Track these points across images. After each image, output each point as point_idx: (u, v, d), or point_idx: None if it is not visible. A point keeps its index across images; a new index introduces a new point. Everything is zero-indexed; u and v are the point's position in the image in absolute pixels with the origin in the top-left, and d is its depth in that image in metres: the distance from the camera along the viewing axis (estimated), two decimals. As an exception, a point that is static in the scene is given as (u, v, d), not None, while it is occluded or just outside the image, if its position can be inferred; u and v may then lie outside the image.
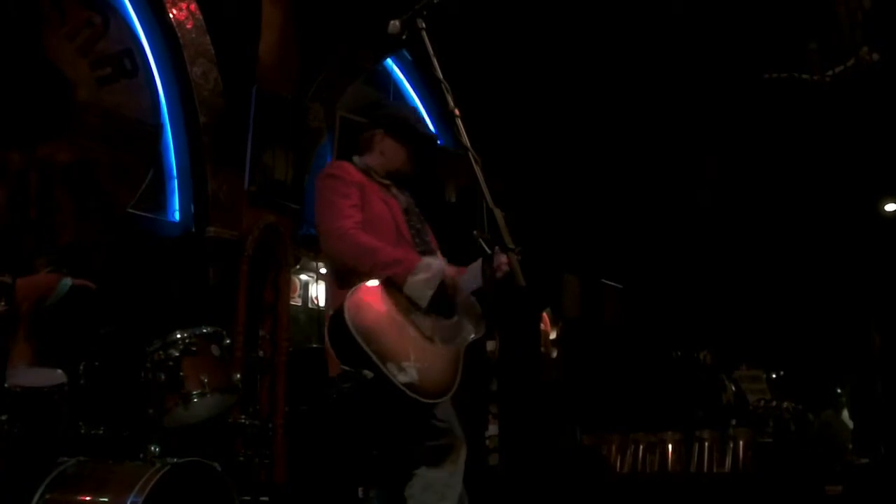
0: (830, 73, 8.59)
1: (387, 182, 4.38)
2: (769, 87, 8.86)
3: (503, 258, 3.84)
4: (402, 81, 9.63)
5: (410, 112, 4.64)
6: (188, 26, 7.66)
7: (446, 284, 4.04)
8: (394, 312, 3.98)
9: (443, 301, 4.04)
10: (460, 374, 4.05)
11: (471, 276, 4.14)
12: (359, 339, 3.79)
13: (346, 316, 3.80)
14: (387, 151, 4.40)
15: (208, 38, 7.74)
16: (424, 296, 3.98)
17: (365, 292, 3.96)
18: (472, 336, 4.15)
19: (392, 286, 4.00)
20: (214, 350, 4.92)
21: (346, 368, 4.42)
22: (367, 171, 4.35)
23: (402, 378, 3.78)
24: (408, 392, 3.78)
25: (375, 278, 3.98)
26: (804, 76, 8.69)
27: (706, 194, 9.95)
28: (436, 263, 4.05)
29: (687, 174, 9.96)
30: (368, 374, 3.79)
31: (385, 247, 4.07)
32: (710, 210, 9.73)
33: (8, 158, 6.65)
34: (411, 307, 4.00)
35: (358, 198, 4.21)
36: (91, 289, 5.34)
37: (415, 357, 3.88)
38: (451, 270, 4.08)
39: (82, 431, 4.87)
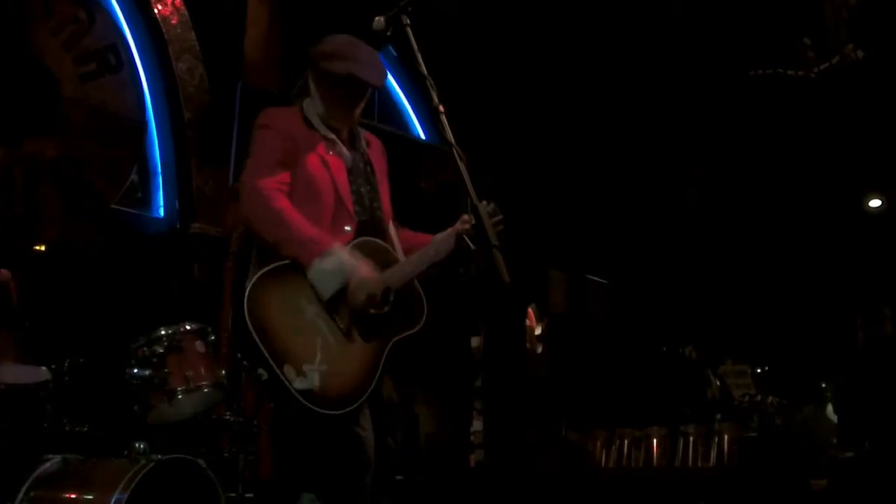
0: (816, 69, 8.61)
1: (331, 136, 3.88)
2: (755, 83, 8.88)
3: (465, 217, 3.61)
4: (387, 77, 9.63)
5: (346, 45, 3.88)
6: (173, 22, 7.64)
7: (355, 286, 3.57)
8: (304, 302, 3.55)
9: (343, 299, 3.57)
10: (377, 379, 3.61)
11: (419, 259, 3.77)
12: (254, 335, 3.41)
13: (245, 305, 3.44)
14: (320, 96, 3.90)
15: (193, 34, 7.72)
16: (327, 289, 3.56)
17: (271, 278, 3.56)
18: (405, 333, 3.73)
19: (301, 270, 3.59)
20: (199, 346, 4.91)
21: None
22: (309, 122, 3.88)
23: (298, 384, 3.39)
24: (303, 401, 3.39)
25: (283, 255, 3.57)
26: (790, 72, 8.71)
27: (694, 191, 9.97)
28: (349, 260, 3.60)
29: (675, 170, 9.98)
30: (263, 374, 3.43)
31: (299, 221, 3.60)
32: (697, 206, 9.75)
33: (-8, 154, 6.63)
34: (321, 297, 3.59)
35: (288, 152, 3.74)
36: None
37: (321, 358, 3.47)
38: (364, 269, 3.61)
39: (67, 428, 4.87)
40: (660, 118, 9.66)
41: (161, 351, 4.83)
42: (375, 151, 4.11)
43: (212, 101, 7.72)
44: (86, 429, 4.96)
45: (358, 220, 3.79)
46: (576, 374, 8.60)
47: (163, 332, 4.88)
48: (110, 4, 7.51)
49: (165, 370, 4.79)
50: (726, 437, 6.95)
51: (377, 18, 3.44)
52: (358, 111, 3.96)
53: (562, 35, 9.24)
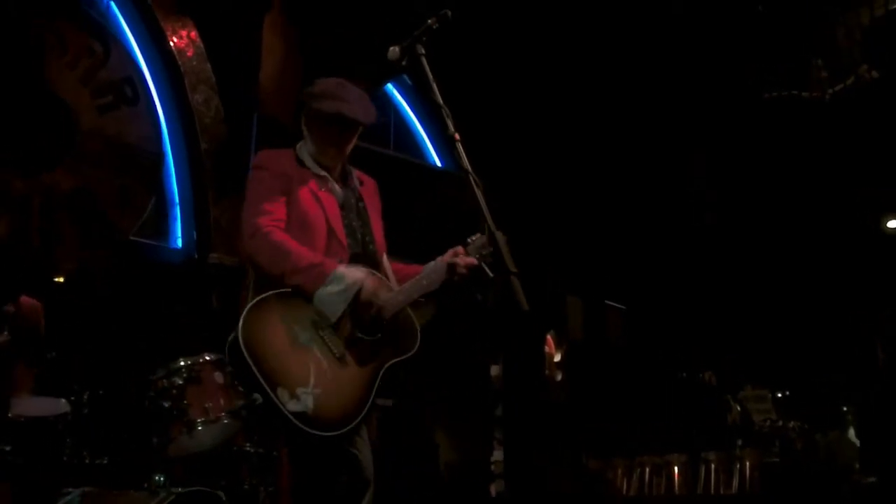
0: (830, 91, 8.61)
1: (323, 173, 4.09)
2: (771, 106, 8.87)
3: (462, 258, 3.90)
4: (402, 106, 9.65)
5: (334, 86, 4.09)
6: (189, 54, 7.68)
7: (363, 301, 3.75)
8: (298, 328, 3.69)
9: (358, 318, 3.76)
10: (371, 403, 3.72)
11: (411, 288, 3.93)
12: (248, 360, 3.52)
13: (240, 332, 3.56)
14: (311, 136, 4.12)
15: (209, 65, 7.77)
16: (335, 311, 3.71)
17: (266, 304, 3.70)
18: (397, 357, 3.84)
19: (300, 296, 3.74)
20: (218, 377, 4.89)
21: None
22: (301, 161, 4.10)
23: (292, 406, 3.49)
24: (297, 422, 3.48)
25: (287, 285, 3.73)
26: (804, 94, 8.71)
27: (711, 215, 9.94)
28: (352, 274, 3.77)
29: (691, 195, 9.96)
30: (258, 398, 3.52)
31: (300, 250, 3.78)
32: (714, 230, 9.72)
33: (11, 186, 6.66)
34: (321, 323, 3.73)
35: (283, 191, 3.95)
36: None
37: (315, 382, 3.57)
38: (372, 283, 3.79)
39: (86, 461, 4.87)
40: (676, 143, 9.66)
41: (180, 382, 4.81)
42: (369, 190, 4.31)
43: (228, 131, 7.75)
44: (105, 461, 4.95)
45: (351, 253, 3.97)
46: (595, 401, 8.56)
47: (182, 364, 4.86)
48: (126, 37, 7.56)
49: (185, 401, 4.77)
50: (748, 463, 6.90)
51: (392, 48, 3.46)
52: (348, 149, 4.15)
53: (580, 63, 9.25)
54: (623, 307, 9.94)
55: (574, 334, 9.22)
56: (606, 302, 9.84)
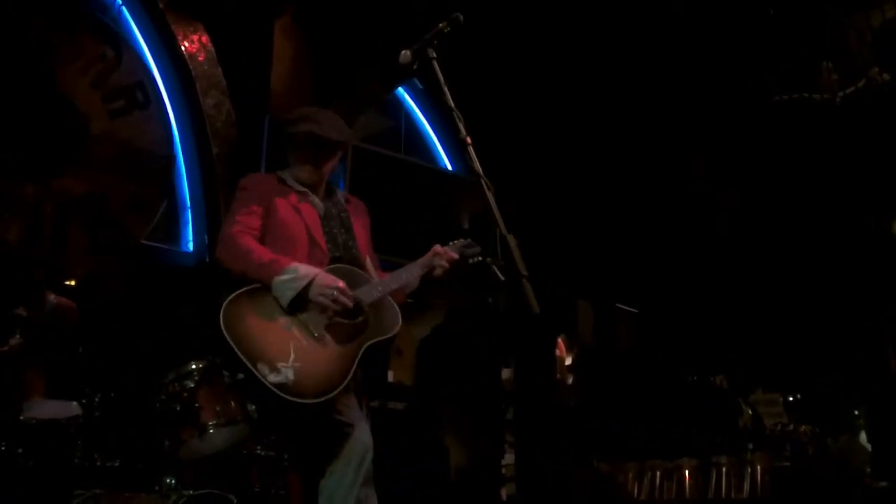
0: (841, 93, 8.59)
1: (303, 189, 4.43)
2: (781, 109, 8.86)
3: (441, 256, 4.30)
4: (413, 110, 9.66)
5: (308, 111, 4.55)
6: (200, 58, 7.70)
7: (318, 291, 4.03)
8: (278, 314, 4.03)
9: (314, 309, 4.04)
10: (352, 373, 4.02)
11: (389, 281, 4.30)
12: (231, 342, 3.85)
13: (221, 319, 3.91)
14: (292, 158, 4.50)
15: (220, 69, 7.79)
16: (285, 296, 4.01)
17: (248, 295, 4.05)
18: (379, 337, 4.17)
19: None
20: (229, 380, 4.90)
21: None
22: (283, 180, 4.44)
23: (272, 378, 3.80)
24: (278, 392, 3.79)
25: (253, 279, 4.07)
26: (815, 97, 8.69)
27: (723, 219, 9.93)
28: (304, 270, 4.07)
29: (703, 199, 9.95)
30: (241, 376, 3.88)
31: (261, 249, 4.14)
32: (726, 234, 9.71)
33: (22, 191, 6.68)
34: (302, 307, 4.04)
35: (260, 204, 4.29)
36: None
37: (294, 357, 3.90)
38: (325, 279, 4.06)
39: (98, 464, 4.88)
40: (688, 148, 9.65)
41: (191, 385, 4.82)
42: (357, 210, 4.65)
43: (239, 135, 7.76)
44: (117, 464, 4.96)
45: (332, 257, 4.28)
46: (606, 405, 8.55)
47: (193, 367, 4.87)
48: (137, 42, 7.58)
49: (196, 405, 4.78)
50: (759, 467, 6.88)
51: (403, 52, 3.46)
52: (326, 168, 4.48)
53: (590, 65, 9.25)
54: (634, 311, 9.93)
55: (585, 338, 9.22)
56: (617, 305, 9.83)
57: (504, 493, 7.07)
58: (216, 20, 7.84)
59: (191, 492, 4.43)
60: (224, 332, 3.88)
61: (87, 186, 7.01)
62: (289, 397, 3.79)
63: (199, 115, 7.67)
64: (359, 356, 4.06)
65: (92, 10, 7.30)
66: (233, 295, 4.02)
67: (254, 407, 4.96)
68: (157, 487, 4.56)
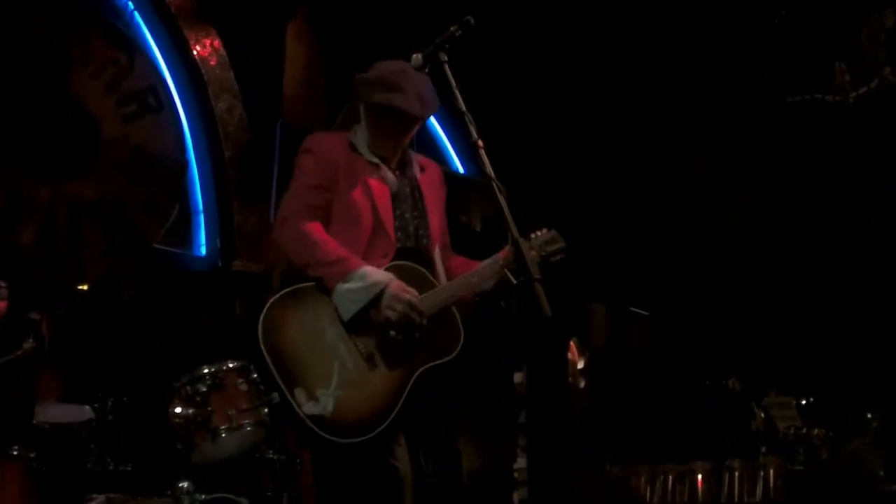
0: (854, 94, 8.57)
1: (376, 160, 3.81)
2: (794, 110, 8.84)
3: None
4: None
5: (390, 74, 3.76)
6: (212, 63, 7.72)
7: (385, 304, 3.47)
8: (326, 324, 3.50)
9: (369, 322, 3.49)
10: (400, 408, 3.44)
11: (458, 284, 3.69)
12: (267, 357, 3.37)
13: (260, 328, 3.41)
14: (367, 124, 3.84)
15: (232, 73, 7.80)
16: (348, 309, 3.48)
17: (292, 298, 3.55)
18: (435, 362, 3.56)
19: (326, 290, 3.54)
20: (242, 385, 4.89)
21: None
22: (354, 147, 3.82)
23: (308, 409, 3.31)
24: (312, 426, 3.31)
25: (310, 277, 3.56)
26: (828, 98, 8.67)
27: (735, 220, 9.91)
28: (375, 275, 3.51)
29: (716, 201, 9.92)
30: (275, 397, 3.47)
31: (328, 242, 3.58)
32: (738, 237, 9.68)
33: (36, 195, 6.71)
34: (358, 319, 3.50)
35: (327, 177, 3.71)
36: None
37: (337, 383, 3.37)
38: (396, 287, 3.50)
39: (111, 468, 4.90)
40: (700, 149, 9.63)
41: (204, 389, 4.82)
42: (431, 178, 4.04)
43: (251, 139, 7.77)
44: (129, 468, 4.98)
45: (399, 247, 3.72)
46: (618, 408, 8.53)
47: (206, 371, 4.87)
48: (149, 47, 7.60)
49: (209, 408, 4.78)
50: (772, 470, 6.85)
51: (415, 55, 3.46)
52: (406, 140, 3.91)
53: (604, 66, 9.24)
54: (647, 313, 9.90)
55: (597, 341, 9.20)
56: (630, 308, 9.81)
57: (516, 497, 7.05)
58: (228, 24, 7.85)
59: (203, 496, 4.43)
60: (261, 342, 3.40)
61: (100, 190, 7.03)
62: (323, 433, 3.30)
63: (212, 119, 7.68)
64: (409, 386, 3.47)
65: (104, 15, 7.32)
66: (277, 296, 3.53)
67: (266, 410, 4.96)
68: (169, 492, 4.56)
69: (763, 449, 7.26)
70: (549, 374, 7.78)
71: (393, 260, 3.68)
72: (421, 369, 3.51)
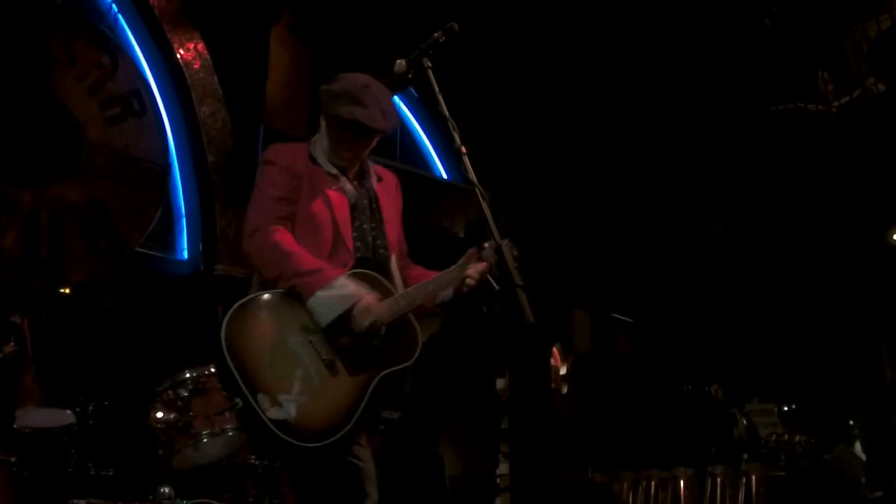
0: (837, 103, 8.61)
1: (335, 172, 3.85)
2: (777, 119, 8.87)
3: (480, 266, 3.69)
4: (408, 118, 9.66)
5: (354, 87, 3.80)
6: (195, 66, 7.70)
7: (355, 315, 3.55)
8: (287, 332, 3.53)
9: (343, 328, 3.55)
10: (360, 413, 3.51)
11: (415, 292, 3.74)
12: (230, 363, 3.39)
13: (222, 334, 3.43)
14: (328, 135, 3.87)
15: (216, 77, 7.78)
16: (326, 315, 3.53)
17: (254, 304, 3.58)
18: (393, 367, 3.63)
19: (293, 298, 3.58)
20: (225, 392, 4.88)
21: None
22: (314, 158, 3.86)
23: (272, 414, 3.34)
24: (277, 431, 3.33)
25: (285, 288, 3.58)
26: (810, 107, 8.71)
27: (718, 228, 9.94)
28: (351, 287, 3.57)
29: (698, 208, 9.96)
30: (239, 403, 3.38)
31: (302, 253, 3.61)
32: (721, 244, 9.72)
33: (18, 198, 6.68)
34: (312, 327, 3.54)
35: (292, 188, 3.74)
36: None
37: (300, 389, 3.41)
38: (368, 301, 3.58)
39: (92, 473, 4.87)
40: (683, 156, 9.66)
41: (185, 394, 4.82)
42: (388, 187, 4.06)
43: (235, 144, 7.75)
44: (111, 473, 4.95)
45: (358, 257, 3.77)
46: (601, 414, 8.55)
47: (187, 375, 4.86)
48: (133, 50, 7.58)
49: (190, 413, 4.77)
50: (754, 477, 6.88)
51: (398, 61, 3.46)
52: (364, 153, 3.92)
53: (585, 73, 9.26)
54: (630, 320, 9.93)
55: (580, 347, 9.22)
56: (613, 315, 9.83)
57: (499, 503, 7.07)
58: (212, 28, 7.84)
59: (185, 501, 4.42)
60: (224, 349, 3.42)
61: (83, 193, 7.00)
62: (287, 438, 3.34)
63: (195, 123, 7.66)
64: (370, 390, 3.54)
65: (89, 17, 7.29)
66: (239, 303, 3.55)
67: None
68: (151, 497, 4.55)
69: (745, 455, 7.29)
70: (532, 380, 7.78)
71: (353, 269, 3.73)
72: (381, 374, 3.58)
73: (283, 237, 3.64)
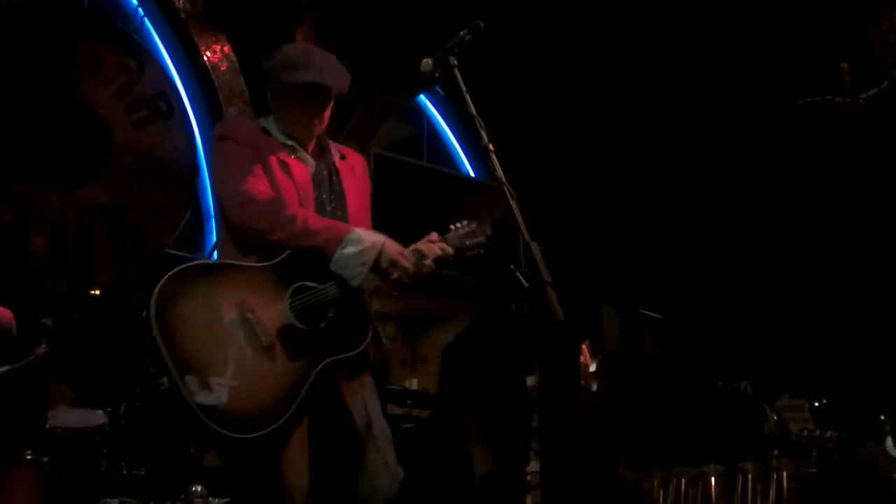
0: (864, 95, 8.54)
1: (290, 143, 3.66)
2: (803, 112, 8.82)
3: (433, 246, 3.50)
4: (435, 117, 9.67)
5: (302, 54, 3.70)
6: (222, 68, 7.73)
7: (384, 266, 3.36)
8: (224, 308, 3.17)
9: (271, 309, 3.24)
10: (300, 402, 3.17)
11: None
12: (158, 338, 3.03)
13: (152, 304, 3.09)
14: (280, 111, 3.72)
15: (242, 79, 7.81)
16: (356, 275, 3.32)
17: (191, 275, 3.24)
18: (338, 355, 3.31)
19: (235, 270, 3.30)
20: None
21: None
22: (267, 131, 3.68)
23: (201, 398, 2.99)
24: (203, 417, 2.98)
25: (291, 248, 3.34)
26: (838, 99, 8.65)
27: (743, 224, 9.89)
28: (369, 237, 3.38)
29: (725, 203, 9.91)
30: (164, 382, 3.17)
31: (308, 213, 3.43)
32: (748, 240, 9.66)
33: (47, 202, 6.72)
34: (259, 303, 3.22)
35: (256, 160, 3.51)
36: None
37: (233, 372, 3.06)
38: (392, 246, 3.41)
39: (124, 472, 4.90)
40: (709, 151, 9.61)
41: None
42: (352, 165, 3.85)
43: (262, 144, 7.77)
44: (143, 472, 4.98)
45: None
46: (631, 412, 8.52)
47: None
48: (159, 53, 7.63)
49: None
50: (785, 473, 6.83)
51: (425, 60, 3.44)
52: (320, 120, 3.72)
53: (613, 71, 9.24)
54: (658, 316, 9.89)
55: (609, 344, 9.19)
56: (642, 311, 9.80)
57: (529, 501, 7.05)
58: (238, 30, 7.87)
59: (217, 500, 4.43)
60: (152, 320, 3.05)
61: (110, 196, 7.04)
62: (214, 426, 2.98)
63: (223, 124, 7.69)
64: (311, 379, 3.19)
65: (115, 22, 7.34)
66: (175, 270, 3.21)
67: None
68: (183, 496, 4.57)
69: (775, 451, 7.24)
70: (562, 377, 7.77)
71: None
72: (324, 363, 3.26)
73: (276, 202, 3.44)
